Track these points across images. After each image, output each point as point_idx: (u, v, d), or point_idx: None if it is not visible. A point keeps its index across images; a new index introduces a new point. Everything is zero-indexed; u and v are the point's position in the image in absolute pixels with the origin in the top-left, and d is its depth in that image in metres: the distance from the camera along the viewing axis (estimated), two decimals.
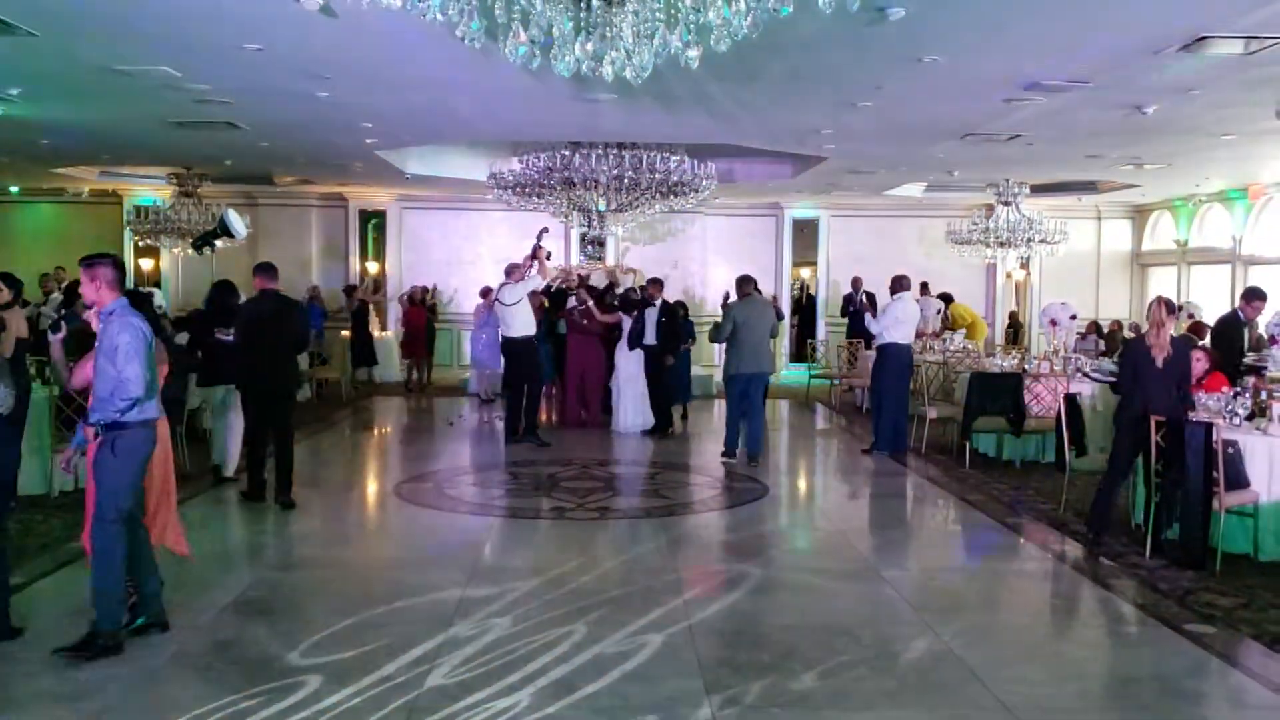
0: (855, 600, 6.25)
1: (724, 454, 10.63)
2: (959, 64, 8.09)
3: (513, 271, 11.79)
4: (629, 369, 12.64)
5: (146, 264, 19.20)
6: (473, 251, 18.92)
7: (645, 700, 4.62)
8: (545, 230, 12.54)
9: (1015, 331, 19.83)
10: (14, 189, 18.43)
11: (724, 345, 10.89)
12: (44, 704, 4.49)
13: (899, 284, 11.21)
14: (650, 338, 12.70)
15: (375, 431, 13.49)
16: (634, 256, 18.93)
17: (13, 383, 5.35)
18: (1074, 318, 12.77)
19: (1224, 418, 7.20)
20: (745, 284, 10.99)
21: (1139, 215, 19.73)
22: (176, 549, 5.89)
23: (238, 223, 11.55)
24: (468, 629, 5.50)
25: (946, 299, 17.09)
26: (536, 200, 14.20)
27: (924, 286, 17.37)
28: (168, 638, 5.32)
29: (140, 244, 18.08)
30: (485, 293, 15.40)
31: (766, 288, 17.26)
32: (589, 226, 15.48)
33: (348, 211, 19.32)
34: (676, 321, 12.90)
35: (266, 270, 8.83)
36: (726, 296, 14.22)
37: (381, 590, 6.41)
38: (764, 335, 10.69)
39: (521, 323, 11.58)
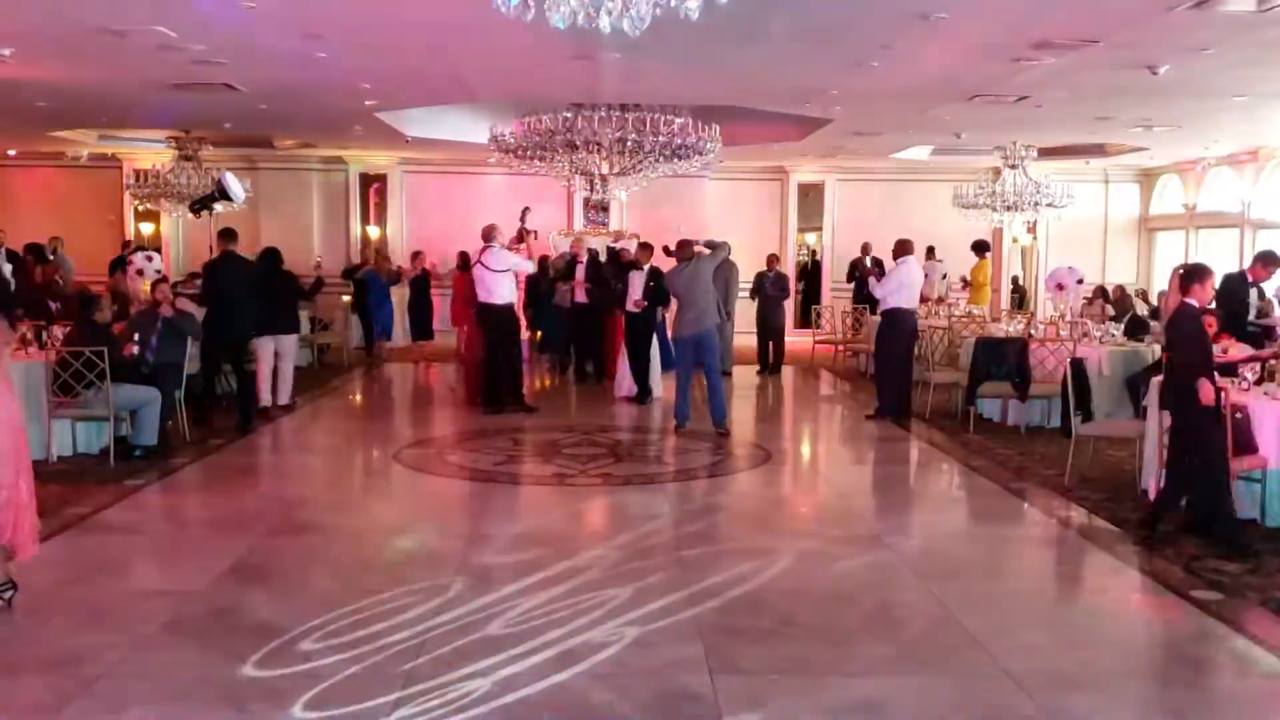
0: (857, 566, 6.18)
1: (676, 427, 10.28)
2: (968, 21, 7.94)
3: (491, 235, 11.26)
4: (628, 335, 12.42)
5: (147, 228, 19.09)
6: (475, 216, 18.72)
7: (645, 666, 4.57)
8: (527, 210, 12.57)
9: (1020, 296, 19.70)
10: (11, 153, 18.28)
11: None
12: (41, 671, 4.44)
13: (903, 248, 11.08)
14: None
15: (377, 398, 13.43)
16: (637, 221, 18.78)
17: None
18: (1080, 281, 12.64)
19: (1232, 382, 7.09)
20: (684, 247, 10.61)
21: (1146, 179, 19.53)
22: (22, 552, 5.21)
23: (236, 186, 11.52)
24: (466, 594, 5.45)
25: (982, 247, 16.84)
26: (538, 164, 14.04)
27: (930, 251, 17.22)
28: (163, 603, 5.27)
29: (140, 208, 17.95)
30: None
31: (770, 252, 17.13)
32: (591, 191, 15.33)
33: (348, 175, 19.16)
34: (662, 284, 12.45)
35: (225, 235, 10.52)
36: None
37: (381, 555, 6.38)
38: (702, 293, 10.24)
39: (507, 290, 11.22)
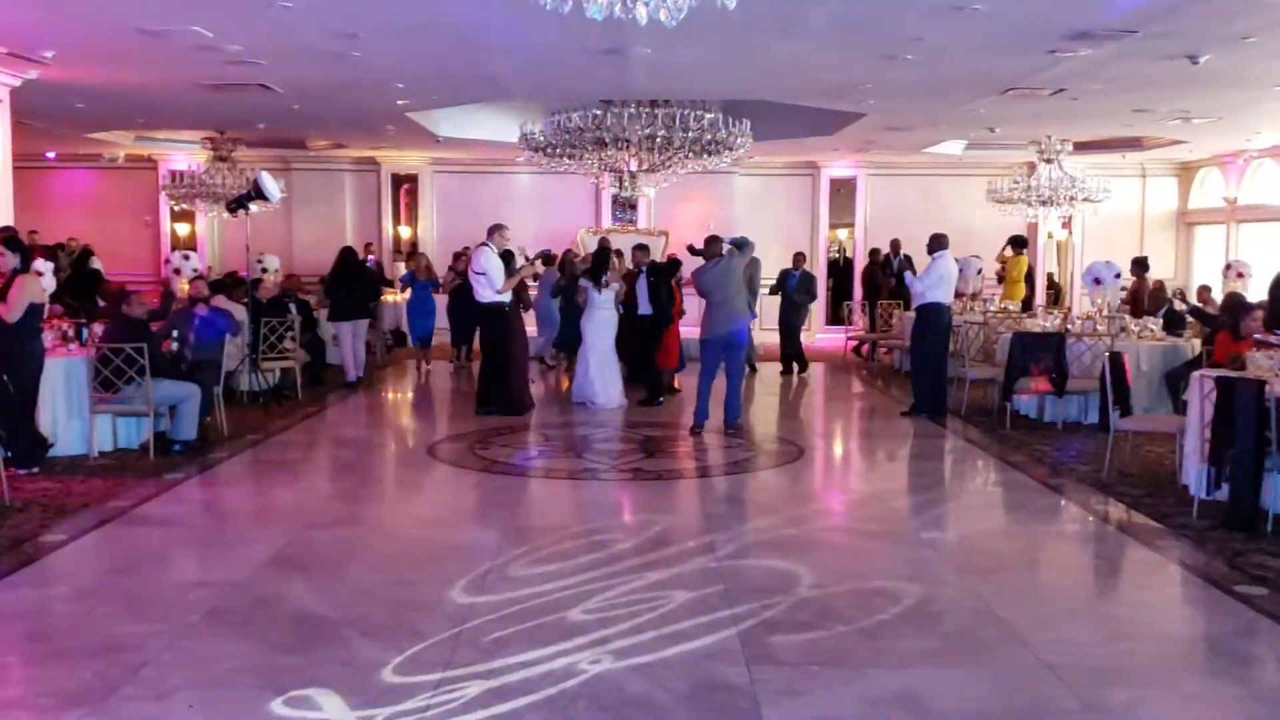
0: (894, 560, 6.16)
1: (693, 428, 9.96)
2: (1003, 12, 7.88)
3: (490, 234, 11.01)
4: (598, 340, 11.49)
5: (183, 228, 19.28)
6: (505, 215, 18.73)
7: (681, 658, 4.55)
8: (547, 252, 12.74)
9: (1055, 292, 19.53)
10: (50, 155, 18.50)
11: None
12: (88, 658, 4.48)
13: (938, 242, 10.97)
14: (645, 306, 11.99)
15: (410, 394, 13.50)
16: (665, 219, 18.77)
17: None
18: (1118, 276, 12.54)
19: (1276, 375, 7.00)
20: (712, 244, 10.40)
21: (1185, 172, 19.31)
22: None
23: (272, 186, 11.64)
24: (502, 587, 5.47)
25: (1019, 242, 16.63)
26: (567, 161, 14.05)
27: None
28: (205, 594, 5.32)
29: (176, 208, 18.15)
30: (553, 259, 14.37)
31: (801, 248, 17.08)
32: (620, 188, 15.32)
33: (380, 175, 19.28)
34: (669, 280, 12.08)
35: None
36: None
37: (416, 548, 6.41)
38: (734, 293, 10.14)
39: (487, 290, 10.79)
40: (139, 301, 9.17)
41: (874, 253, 17.89)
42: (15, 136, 10.84)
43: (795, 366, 14.61)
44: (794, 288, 14.75)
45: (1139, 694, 4.34)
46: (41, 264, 9.25)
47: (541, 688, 4.22)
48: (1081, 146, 16.05)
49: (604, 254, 12.06)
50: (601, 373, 11.44)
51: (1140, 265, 14.10)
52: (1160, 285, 14.29)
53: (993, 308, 14.33)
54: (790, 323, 14.82)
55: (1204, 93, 11.34)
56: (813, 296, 15.26)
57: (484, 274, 10.80)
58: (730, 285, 10.17)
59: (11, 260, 7.98)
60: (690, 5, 3.63)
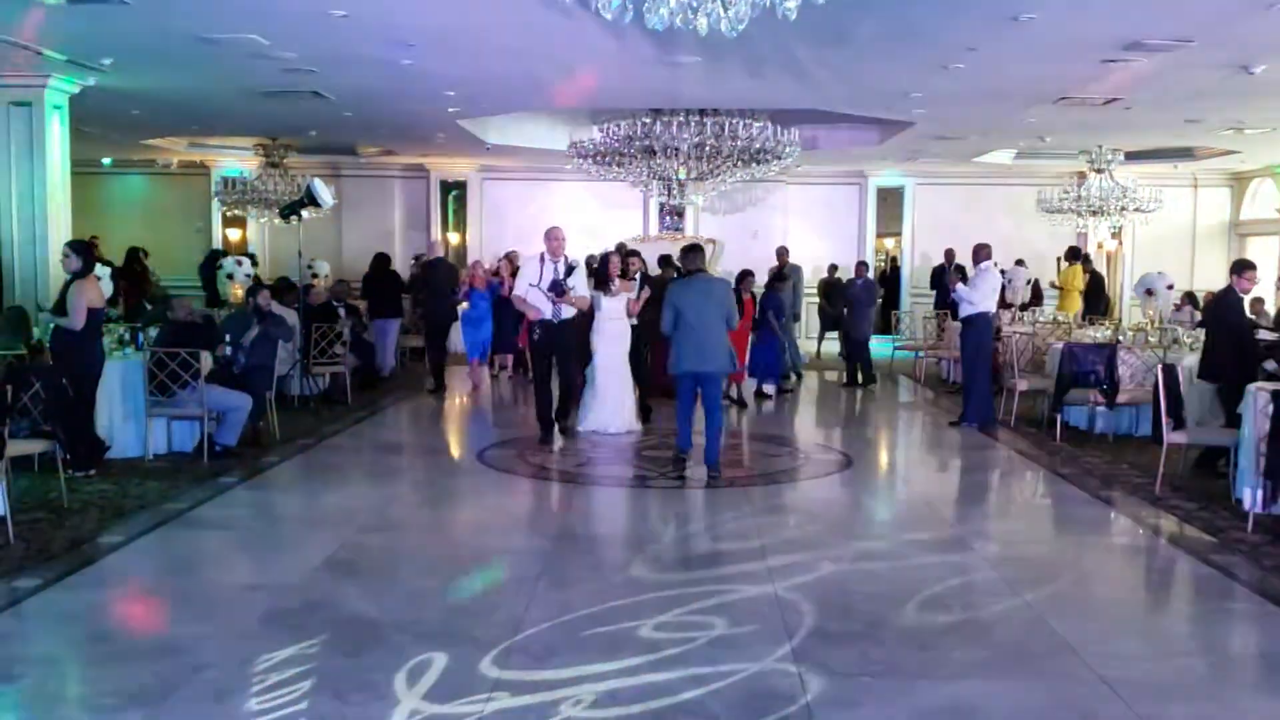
0: (945, 571, 6.11)
1: (676, 457, 8.56)
2: (1056, 22, 7.82)
3: (553, 239, 10.04)
4: (609, 355, 10.25)
5: (234, 234, 19.54)
6: (552, 222, 18.81)
7: (735, 667, 4.55)
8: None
9: (1105, 303, 19.28)
10: (106, 160, 18.83)
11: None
12: (147, 659, 4.56)
13: (986, 253, 10.88)
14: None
15: (459, 400, 13.58)
16: (713, 226, 18.77)
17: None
18: (1170, 288, 12.38)
19: None
20: (690, 257, 8.86)
21: (1238, 183, 19.01)
22: None
23: (324, 192, 11.79)
24: (552, 594, 5.50)
25: (1075, 254, 16.39)
26: (616, 169, 14.11)
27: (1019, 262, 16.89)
28: (260, 596, 5.40)
29: (228, 214, 18.42)
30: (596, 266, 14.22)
31: (850, 258, 17.06)
32: (669, 196, 15.35)
33: (429, 182, 19.42)
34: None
35: None
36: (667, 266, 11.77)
37: (467, 554, 6.46)
38: (713, 322, 8.26)
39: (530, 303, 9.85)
40: (182, 305, 9.31)
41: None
42: (73, 142, 11.07)
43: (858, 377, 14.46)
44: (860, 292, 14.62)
45: (1196, 710, 4.30)
46: (100, 268, 9.42)
47: (593, 697, 4.25)
48: (1133, 156, 15.88)
49: (607, 256, 10.82)
50: (612, 394, 10.26)
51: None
52: (1210, 296, 14.06)
53: (1042, 318, 14.19)
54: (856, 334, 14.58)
55: (1258, 103, 11.19)
56: (872, 300, 14.93)
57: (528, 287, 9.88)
58: (711, 309, 8.29)
59: (74, 263, 8.15)
60: (750, 16, 3.64)
